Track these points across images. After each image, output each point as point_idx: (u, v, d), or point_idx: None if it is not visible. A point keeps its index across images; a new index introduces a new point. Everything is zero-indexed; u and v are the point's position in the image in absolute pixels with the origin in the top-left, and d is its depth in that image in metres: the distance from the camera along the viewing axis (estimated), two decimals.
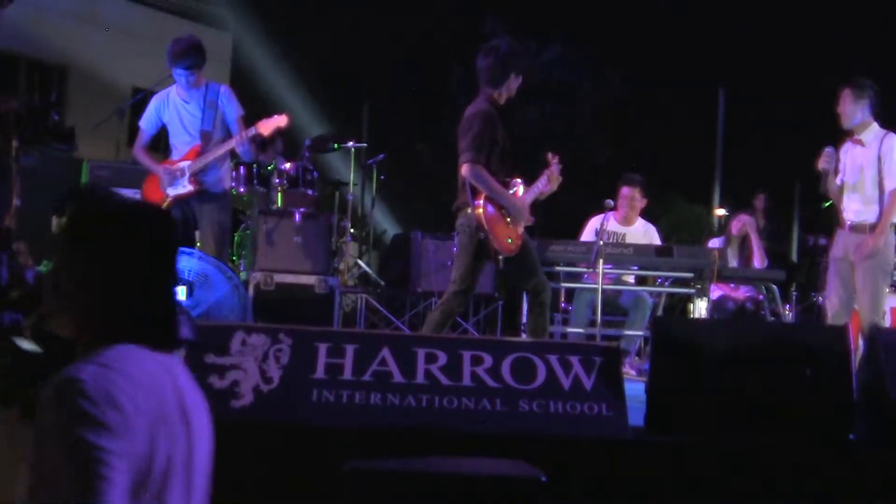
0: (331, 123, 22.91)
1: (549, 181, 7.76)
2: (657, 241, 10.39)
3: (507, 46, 7.50)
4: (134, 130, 8.87)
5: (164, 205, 7.79)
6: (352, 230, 12.68)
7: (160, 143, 8.77)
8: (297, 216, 10.13)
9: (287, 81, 24.54)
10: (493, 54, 7.46)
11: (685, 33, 27.22)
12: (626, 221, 10.25)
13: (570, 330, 9.77)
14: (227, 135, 8.03)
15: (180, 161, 7.84)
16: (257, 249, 9.73)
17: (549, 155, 8.00)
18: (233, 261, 10.11)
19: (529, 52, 7.80)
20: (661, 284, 10.22)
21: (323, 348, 5.06)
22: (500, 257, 7.15)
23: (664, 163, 26.24)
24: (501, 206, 7.15)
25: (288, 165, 10.76)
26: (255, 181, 10.51)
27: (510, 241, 7.14)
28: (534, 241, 7.90)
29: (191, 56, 7.82)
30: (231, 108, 7.98)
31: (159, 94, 8.21)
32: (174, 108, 8.00)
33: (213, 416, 2.74)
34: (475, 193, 7.08)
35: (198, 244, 8.21)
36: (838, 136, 8.20)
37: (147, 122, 8.18)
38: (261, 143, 8.70)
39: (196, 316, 6.18)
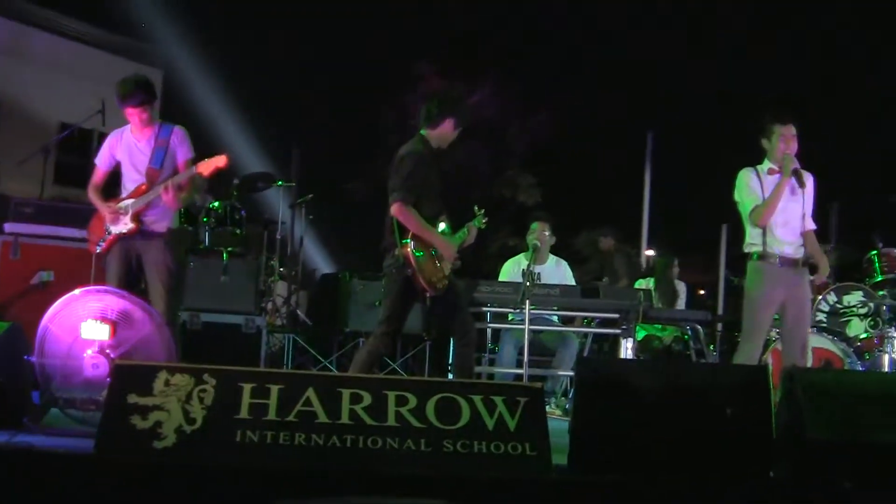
0: (261, 162, 22.86)
1: (469, 233, 7.85)
2: (570, 277, 10.53)
3: (448, 92, 7.59)
4: (60, 167, 8.81)
5: (106, 243, 7.73)
6: (280, 269, 12.65)
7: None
8: (225, 255, 10.11)
9: (218, 119, 24.49)
10: (433, 97, 7.54)
11: (615, 77, 27.51)
12: (539, 260, 10.31)
13: (496, 370, 9.82)
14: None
15: (124, 199, 7.78)
16: (184, 289, 9.67)
17: (476, 207, 8.09)
18: None
19: (460, 94, 7.89)
20: (588, 325, 10.31)
21: (247, 388, 5.05)
22: (428, 295, 7.19)
23: (593, 204, 26.44)
24: (430, 245, 7.19)
25: (216, 204, 10.73)
26: (183, 220, 10.47)
27: (437, 280, 7.17)
28: (461, 281, 7.95)
29: (139, 94, 7.74)
30: (181, 149, 7.88)
31: (115, 132, 8.09)
32: (126, 146, 7.91)
33: (135, 458, 2.74)
34: (403, 233, 7.11)
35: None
36: None
37: (101, 160, 8.07)
38: (204, 183, 8.65)
39: (119, 356, 6.12)
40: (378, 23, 27.59)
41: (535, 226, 10.36)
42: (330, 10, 27.27)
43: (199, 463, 4.79)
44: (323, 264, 24.25)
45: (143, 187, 7.71)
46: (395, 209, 7.11)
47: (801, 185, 7.87)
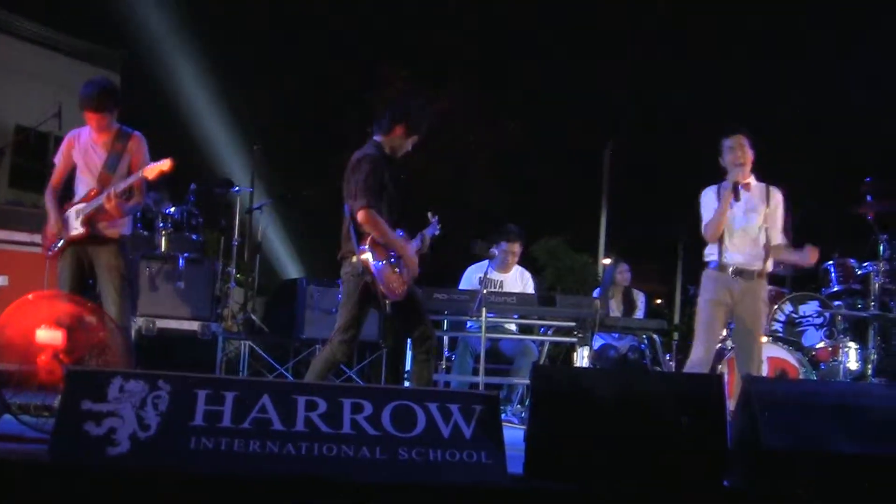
0: (219, 167, 22.78)
1: (422, 242, 7.85)
2: (531, 286, 10.57)
3: (403, 100, 7.59)
4: (15, 171, 8.72)
5: (58, 247, 7.66)
6: (237, 276, 12.60)
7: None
8: (181, 261, 10.08)
9: (177, 124, 24.35)
10: (389, 104, 7.54)
11: (577, 88, 27.57)
12: (504, 269, 10.46)
13: (453, 378, 9.82)
14: None
15: (77, 204, 7.71)
16: (139, 295, 9.62)
17: (430, 214, 8.09)
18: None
19: (417, 103, 7.86)
20: (545, 333, 10.32)
21: (202, 395, 5.02)
22: (387, 301, 7.16)
23: (552, 212, 26.50)
24: (389, 252, 7.16)
25: (173, 209, 10.68)
26: (139, 225, 10.41)
27: (397, 287, 7.15)
28: (420, 288, 7.94)
29: (102, 99, 7.67)
30: (138, 156, 7.82)
31: (73, 132, 7.98)
32: (83, 149, 7.83)
33: (89, 465, 2.71)
34: (360, 239, 7.09)
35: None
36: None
37: (59, 160, 8.00)
38: (148, 187, 8.59)
39: (73, 362, 6.08)
40: (343, 25, 27.56)
41: (505, 243, 10.40)
42: (292, 14, 27.23)
43: (153, 470, 4.76)
44: (282, 270, 24.19)
45: (94, 192, 7.64)
46: (361, 216, 7.06)
47: (737, 198, 7.94)
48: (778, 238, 8.15)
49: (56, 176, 7.94)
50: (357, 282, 7.14)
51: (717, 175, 8.22)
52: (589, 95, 26.81)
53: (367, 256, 7.01)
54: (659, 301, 23.12)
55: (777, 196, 8.18)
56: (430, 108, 7.78)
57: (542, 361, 10.15)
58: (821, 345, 10.54)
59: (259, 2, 26.93)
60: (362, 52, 27.25)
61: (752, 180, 8.06)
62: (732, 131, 8.12)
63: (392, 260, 7.17)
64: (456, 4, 28.15)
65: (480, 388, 8.69)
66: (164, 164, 7.59)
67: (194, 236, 10.83)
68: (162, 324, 10.08)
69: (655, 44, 25.44)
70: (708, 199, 8.12)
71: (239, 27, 26.75)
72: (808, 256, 8.09)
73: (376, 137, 7.49)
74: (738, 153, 8.00)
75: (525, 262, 10.95)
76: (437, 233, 8.12)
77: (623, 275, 12.22)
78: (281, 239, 23.50)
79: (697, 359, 7.90)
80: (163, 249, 10.50)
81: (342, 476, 4.89)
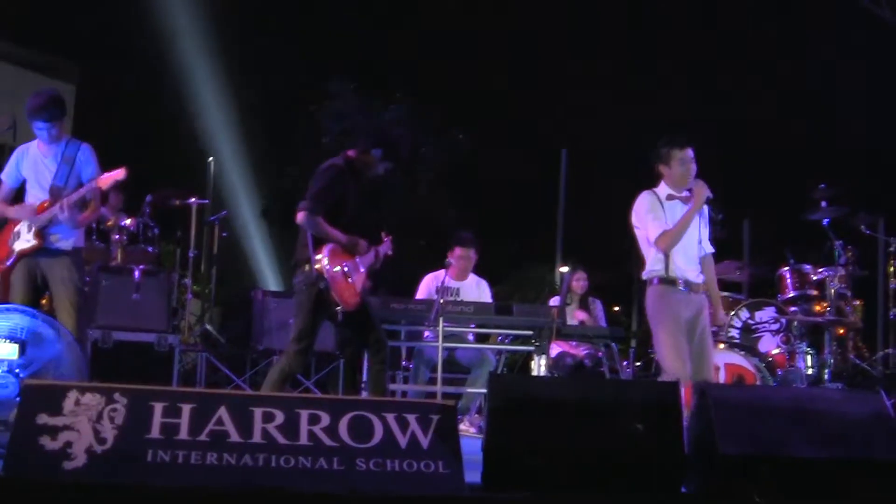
0: (175, 179, 22.67)
1: (377, 258, 7.88)
2: (488, 295, 10.61)
3: (384, 128, 7.69)
4: None
5: (10, 260, 7.60)
6: (194, 287, 12.56)
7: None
8: (137, 273, 10.04)
9: (133, 135, 24.19)
10: (371, 128, 7.62)
11: (529, 96, 27.62)
12: (460, 277, 10.51)
13: (410, 388, 9.83)
14: None
15: (29, 216, 7.65)
16: (96, 306, 9.57)
17: (383, 234, 8.14)
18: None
19: (373, 111, 7.90)
20: (502, 342, 10.34)
21: (159, 408, 5.00)
22: (339, 310, 7.17)
23: (508, 222, 26.52)
24: (344, 261, 7.18)
25: (128, 221, 10.65)
26: (95, 237, 10.36)
27: (350, 296, 7.17)
28: (375, 299, 7.96)
29: (49, 109, 7.62)
30: (88, 167, 7.74)
31: (21, 147, 7.95)
32: (32, 161, 7.77)
33: (45, 479, 2.69)
34: (316, 247, 7.10)
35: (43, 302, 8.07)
36: None
37: (7, 175, 7.91)
38: (103, 197, 8.56)
39: (29, 375, 6.04)
40: (293, 37, 27.51)
41: (459, 248, 10.44)
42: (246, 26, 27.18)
43: (109, 483, 4.73)
44: (238, 282, 24.10)
45: (45, 204, 7.60)
46: (299, 217, 7.12)
47: (715, 208, 7.99)
48: (708, 247, 8.20)
49: (3, 191, 7.88)
50: (310, 291, 7.16)
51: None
52: (544, 99, 26.91)
53: (323, 264, 7.03)
54: (617, 308, 23.16)
55: (707, 207, 8.21)
56: (407, 137, 7.91)
57: (499, 370, 10.18)
58: (777, 351, 10.60)
59: (211, 15, 26.86)
60: (310, 67, 27.20)
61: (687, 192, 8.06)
62: (685, 142, 8.11)
63: (346, 269, 7.19)
64: (402, 18, 28.17)
65: (438, 398, 8.70)
66: (119, 174, 7.56)
67: (150, 248, 10.80)
68: (118, 336, 10.03)
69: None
70: (652, 206, 8.02)
71: (193, 40, 26.68)
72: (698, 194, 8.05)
73: (350, 152, 7.53)
74: (691, 166, 8.02)
75: (482, 271, 10.97)
76: (389, 252, 8.18)
77: (580, 282, 12.25)
78: (237, 250, 23.39)
79: (679, 373, 7.87)
80: (119, 261, 10.46)
81: (299, 488, 4.89)
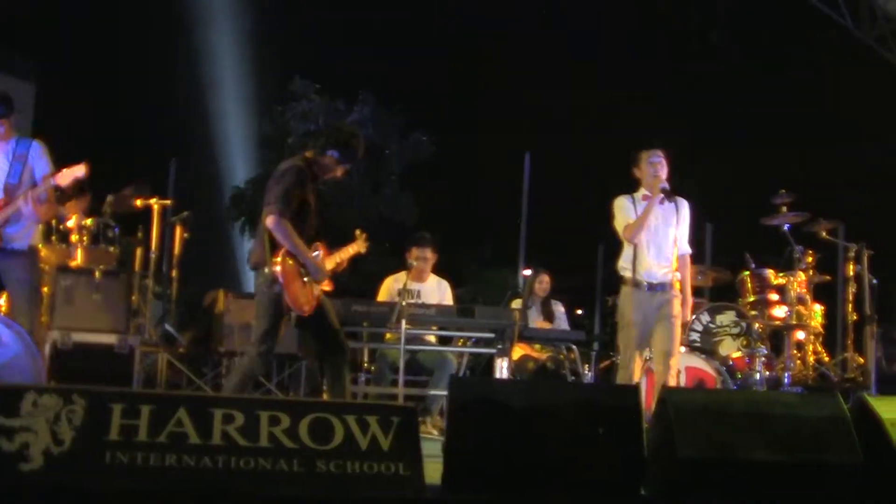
0: (137, 178, 22.53)
1: (343, 256, 7.88)
2: (449, 296, 10.61)
3: (342, 128, 7.69)
4: None
5: None
6: (155, 288, 12.48)
7: None
8: (97, 273, 9.96)
9: (93, 134, 24.06)
10: (328, 128, 7.59)
11: (494, 98, 27.68)
12: (420, 278, 10.54)
13: (372, 390, 9.82)
14: None
15: None
16: (55, 307, 9.50)
17: (358, 232, 8.14)
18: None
19: (352, 133, 7.88)
20: (465, 344, 10.35)
21: (117, 409, 4.96)
22: (292, 314, 7.16)
23: (471, 224, 26.57)
24: (301, 263, 7.16)
25: (89, 221, 10.57)
26: (54, 236, 10.29)
27: (305, 301, 7.15)
28: (337, 300, 7.93)
29: None
30: (40, 164, 7.69)
31: None
32: None
33: (1, 481, 2.66)
34: (274, 249, 7.08)
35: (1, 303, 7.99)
36: None
37: None
38: (61, 195, 8.49)
39: None
40: (259, 38, 27.49)
41: (415, 249, 10.46)
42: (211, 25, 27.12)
43: (67, 486, 4.70)
44: (200, 282, 24.00)
45: (1, 203, 7.53)
46: (269, 221, 7.08)
47: (671, 199, 8.07)
48: (684, 248, 8.29)
49: None
50: (269, 293, 7.12)
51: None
52: (508, 102, 26.98)
53: (279, 268, 7.01)
54: (579, 311, 23.22)
55: (685, 207, 8.31)
56: (363, 140, 7.85)
57: (461, 373, 10.18)
58: (737, 354, 10.67)
59: (176, 16, 26.78)
60: (275, 67, 27.17)
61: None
62: (654, 145, 8.24)
63: (302, 273, 7.17)
64: (369, 19, 28.19)
65: (399, 400, 8.70)
66: (79, 170, 7.50)
67: (111, 248, 10.73)
68: (78, 337, 9.95)
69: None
70: (624, 206, 8.23)
71: (156, 39, 26.59)
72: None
73: (307, 153, 7.51)
74: (661, 168, 8.13)
75: (445, 272, 10.97)
76: (362, 251, 8.18)
77: (542, 285, 12.27)
78: (198, 251, 23.33)
79: (629, 380, 7.98)
80: (78, 262, 10.38)
81: (259, 489, 4.87)
